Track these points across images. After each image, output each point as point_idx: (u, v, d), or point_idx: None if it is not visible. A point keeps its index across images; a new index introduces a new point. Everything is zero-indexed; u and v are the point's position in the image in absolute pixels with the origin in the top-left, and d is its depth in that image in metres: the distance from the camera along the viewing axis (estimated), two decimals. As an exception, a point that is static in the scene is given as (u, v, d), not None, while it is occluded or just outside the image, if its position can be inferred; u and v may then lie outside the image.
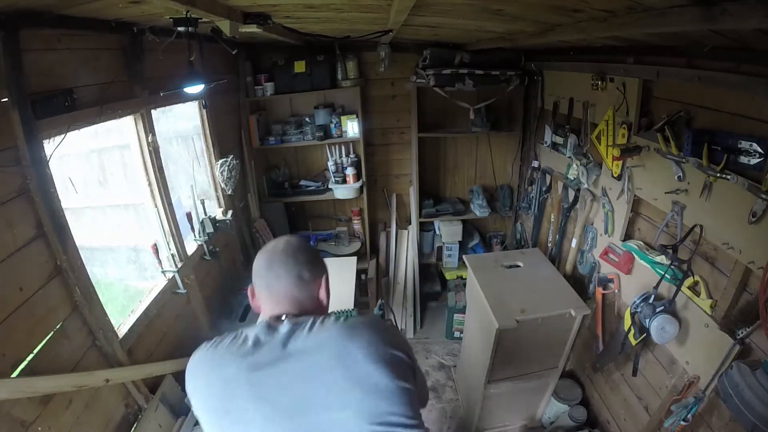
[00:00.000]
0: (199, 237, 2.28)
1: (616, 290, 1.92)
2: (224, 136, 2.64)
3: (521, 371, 2.12)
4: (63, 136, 1.37)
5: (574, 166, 2.18)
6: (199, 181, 2.47)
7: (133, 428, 1.63)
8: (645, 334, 1.58)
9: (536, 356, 2.10)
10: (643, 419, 1.76)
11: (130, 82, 1.75)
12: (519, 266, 2.31)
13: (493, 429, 2.36)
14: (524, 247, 3.05)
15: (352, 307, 1.84)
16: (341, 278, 2.13)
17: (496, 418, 2.32)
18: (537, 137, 2.76)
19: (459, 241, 3.23)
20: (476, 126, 2.96)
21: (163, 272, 2.03)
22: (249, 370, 0.82)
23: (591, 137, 2.03)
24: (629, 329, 1.66)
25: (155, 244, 1.97)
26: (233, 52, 2.08)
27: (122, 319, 1.74)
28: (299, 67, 2.78)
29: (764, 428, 1.11)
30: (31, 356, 1.25)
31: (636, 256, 1.75)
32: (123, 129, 1.87)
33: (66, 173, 2.68)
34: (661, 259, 1.58)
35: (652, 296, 1.56)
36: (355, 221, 3.39)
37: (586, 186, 2.11)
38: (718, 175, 1.27)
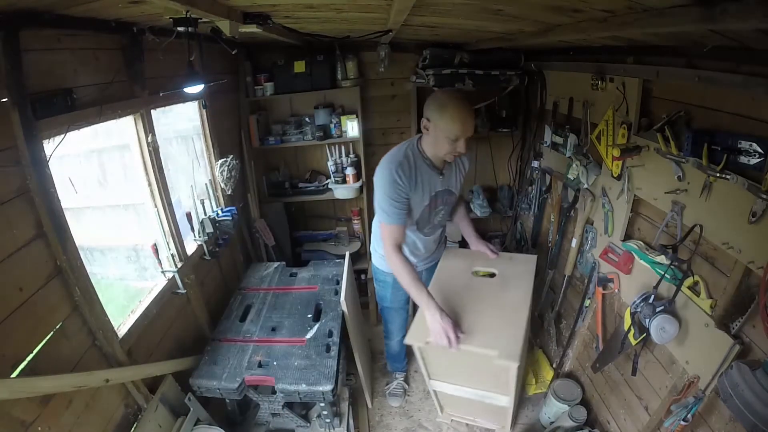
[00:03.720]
0: (199, 237, 2.28)
1: (616, 290, 1.91)
2: (224, 136, 2.64)
3: (469, 384, 1.82)
4: (63, 136, 1.37)
5: (574, 166, 2.18)
6: (199, 181, 2.47)
7: (133, 428, 1.63)
8: (645, 334, 1.58)
9: (479, 378, 1.77)
10: (643, 419, 1.76)
11: (130, 82, 1.75)
12: (494, 275, 1.95)
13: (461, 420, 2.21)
14: (524, 247, 3.05)
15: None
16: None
17: (461, 411, 2.19)
18: (537, 137, 2.76)
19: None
20: (476, 126, 2.95)
21: (163, 272, 2.03)
22: None
23: (591, 137, 2.03)
24: (629, 329, 1.66)
25: (155, 244, 1.98)
26: (233, 52, 2.08)
27: (122, 319, 1.74)
28: (299, 67, 2.78)
29: (764, 428, 1.11)
30: (31, 356, 1.25)
31: (636, 256, 1.75)
32: (123, 129, 1.87)
33: (66, 173, 2.69)
34: (661, 258, 1.58)
35: (652, 296, 1.56)
36: (355, 221, 3.39)
37: (586, 186, 2.11)
38: (718, 175, 1.27)
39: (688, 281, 1.47)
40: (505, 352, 1.49)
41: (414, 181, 1.73)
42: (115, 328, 1.62)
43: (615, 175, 1.86)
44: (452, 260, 2.06)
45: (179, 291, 2.08)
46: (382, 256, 2.01)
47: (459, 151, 1.69)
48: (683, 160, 1.42)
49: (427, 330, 1.61)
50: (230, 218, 2.48)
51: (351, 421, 2.23)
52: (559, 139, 2.38)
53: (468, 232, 2.08)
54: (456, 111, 1.60)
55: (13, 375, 1.19)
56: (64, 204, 1.40)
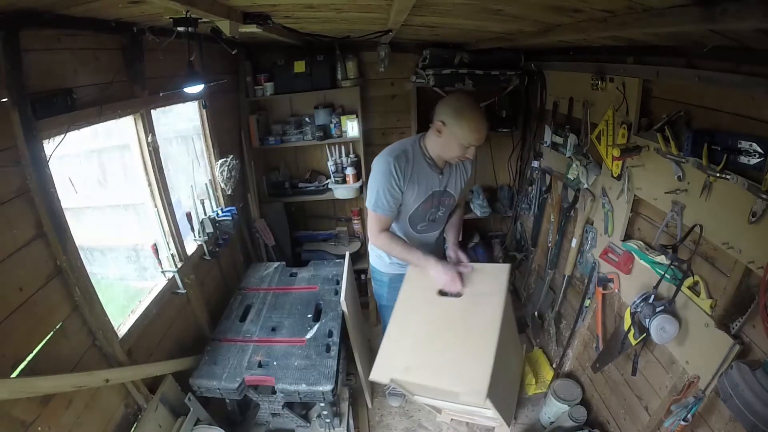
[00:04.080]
0: (199, 237, 2.28)
1: (616, 290, 1.91)
2: (224, 136, 2.64)
3: (452, 400, 1.67)
4: (63, 136, 1.37)
5: (574, 166, 2.18)
6: (199, 181, 2.47)
7: (132, 428, 1.63)
8: (645, 334, 1.58)
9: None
10: (643, 419, 1.76)
11: (130, 82, 1.75)
12: (460, 293, 1.70)
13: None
14: (524, 247, 3.05)
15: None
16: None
17: (459, 412, 2.10)
18: (537, 137, 2.76)
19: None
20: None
21: (163, 272, 2.03)
22: None
23: (591, 137, 2.03)
24: (629, 329, 1.66)
25: (155, 244, 1.98)
26: (233, 52, 2.08)
27: (122, 319, 1.74)
28: (299, 67, 2.78)
29: (764, 428, 1.11)
30: (31, 356, 1.25)
31: (636, 256, 1.75)
32: (123, 129, 1.87)
33: (66, 173, 2.69)
34: (661, 259, 1.58)
35: (652, 296, 1.56)
36: (355, 221, 3.39)
37: (586, 186, 2.11)
38: (718, 175, 1.27)
39: (688, 281, 1.47)
40: (471, 388, 1.35)
41: (409, 176, 1.75)
42: (115, 328, 1.62)
43: (615, 175, 1.86)
44: (418, 276, 1.81)
45: (179, 291, 2.08)
46: (378, 256, 2.02)
47: (467, 157, 1.72)
48: (683, 160, 1.42)
49: (392, 362, 1.51)
50: (230, 218, 2.49)
51: (351, 421, 2.23)
52: (559, 139, 2.38)
53: (450, 237, 2.06)
54: (473, 120, 1.61)
55: (13, 375, 1.19)
56: (64, 204, 1.40)
